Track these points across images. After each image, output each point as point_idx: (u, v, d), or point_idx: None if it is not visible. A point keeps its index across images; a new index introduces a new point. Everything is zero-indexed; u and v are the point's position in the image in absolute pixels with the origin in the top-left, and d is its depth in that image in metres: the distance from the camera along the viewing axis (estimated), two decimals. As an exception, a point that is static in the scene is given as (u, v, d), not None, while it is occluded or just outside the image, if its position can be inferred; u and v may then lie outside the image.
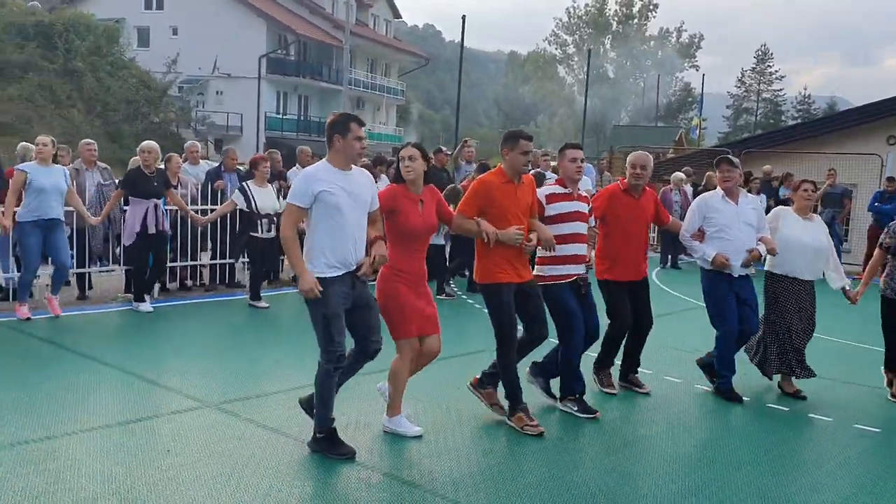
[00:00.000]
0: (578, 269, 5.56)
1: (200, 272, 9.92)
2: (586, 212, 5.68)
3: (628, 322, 6.11)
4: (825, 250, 6.34)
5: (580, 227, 5.57)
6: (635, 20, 72.73)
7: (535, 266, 5.55)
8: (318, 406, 4.58)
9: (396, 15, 53.31)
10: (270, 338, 7.50)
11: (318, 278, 4.44)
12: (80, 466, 4.13)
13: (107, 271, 9.22)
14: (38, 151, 7.64)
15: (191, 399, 5.34)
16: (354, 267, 4.56)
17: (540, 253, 5.46)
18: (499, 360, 5.14)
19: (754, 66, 74.18)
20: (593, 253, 5.83)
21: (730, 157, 6.31)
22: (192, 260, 9.66)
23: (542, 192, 5.58)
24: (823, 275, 6.46)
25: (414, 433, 4.92)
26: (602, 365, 6.23)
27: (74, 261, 8.83)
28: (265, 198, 8.84)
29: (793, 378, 6.32)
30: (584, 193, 5.79)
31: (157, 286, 8.93)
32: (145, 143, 8.45)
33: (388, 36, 51.27)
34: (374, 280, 4.80)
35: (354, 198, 4.53)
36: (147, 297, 8.33)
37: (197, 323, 7.99)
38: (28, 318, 7.49)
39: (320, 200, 4.46)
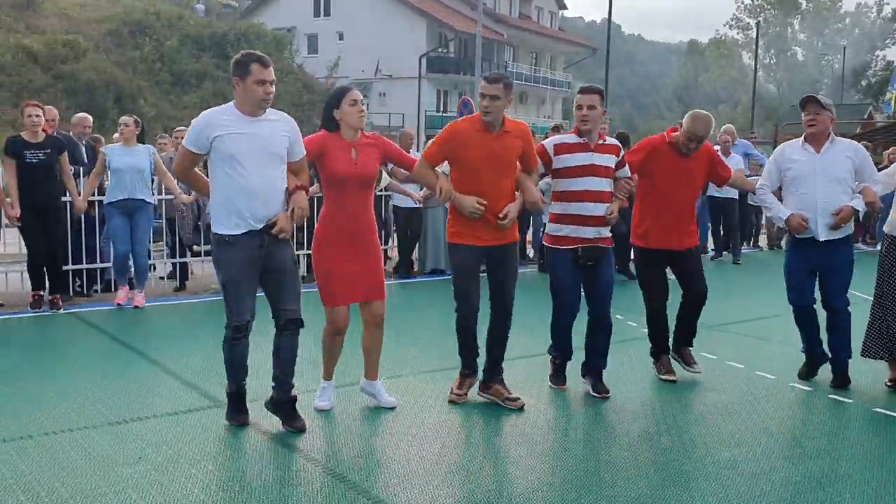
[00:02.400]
0: (585, 233, 4.75)
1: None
2: (610, 166, 4.81)
3: (661, 299, 5.34)
4: None
5: (594, 184, 4.73)
6: (828, -4, 66.78)
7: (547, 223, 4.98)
8: (226, 366, 4.20)
9: (562, 6, 51.98)
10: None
11: (218, 236, 4.00)
12: (25, 477, 3.61)
13: (198, 260, 9.03)
14: (120, 132, 7.56)
15: (205, 398, 4.78)
16: (263, 224, 3.98)
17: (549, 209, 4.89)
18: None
19: (973, 35, 65.73)
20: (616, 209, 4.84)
21: (818, 97, 5.15)
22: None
23: (550, 142, 4.81)
24: None
25: (319, 405, 4.55)
26: (655, 349, 5.44)
27: (166, 251, 8.77)
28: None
29: None
30: (612, 142, 4.84)
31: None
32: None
33: (553, 28, 50.08)
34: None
35: (260, 146, 3.95)
36: None
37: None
38: (119, 305, 7.41)
39: (216, 149, 3.93)
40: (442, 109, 40.72)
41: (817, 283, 5.24)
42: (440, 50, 39.93)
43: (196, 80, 30.53)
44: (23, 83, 24.40)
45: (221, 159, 3.97)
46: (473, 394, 4.80)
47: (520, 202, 4.55)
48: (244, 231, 3.99)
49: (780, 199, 5.25)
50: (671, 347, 5.44)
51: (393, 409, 4.60)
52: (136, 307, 7.46)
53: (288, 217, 4.07)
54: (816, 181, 5.03)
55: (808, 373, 5.36)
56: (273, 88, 4.00)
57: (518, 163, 4.57)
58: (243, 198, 3.96)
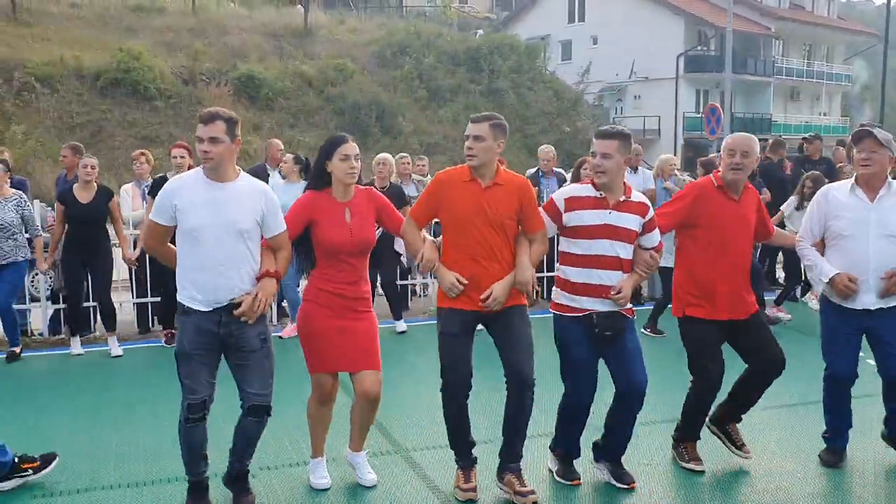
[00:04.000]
0: (600, 305, 4.03)
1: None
2: (633, 228, 4.06)
3: (718, 380, 4.38)
4: None
5: (612, 248, 4.02)
6: None
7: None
8: (182, 454, 3.91)
9: (842, -9, 47.17)
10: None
11: (178, 303, 3.80)
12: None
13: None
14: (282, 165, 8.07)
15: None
16: (225, 303, 3.66)
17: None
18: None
19: None
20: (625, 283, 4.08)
21: (876, 130, 4.07)
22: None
23: (561, 194, 4.16)
24: None
25: (317, 485, 4.24)
26: (682, 436, 4.63)
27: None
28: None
29: None
30: (640, 200, 4.13)
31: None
32: (380, 155, 8.12)
33: (831, 15, 45.57)
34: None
35: (220, 219, 3.65)
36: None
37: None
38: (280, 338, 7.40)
39: (178, 219, 3.74)
40: (701, 110, 38.75)
41: (870, 348, 4.46)
42: (699, 48, 38.02)
43: (450, 94, 31.67)
44: (298, 106, 26.89)
45: (181, 231, 3.75)
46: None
47: (508, 281, 3.95)
48: (205, 310, 3.72)
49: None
50: (712, 419, 4.65)
51: (373, 487, 4.24)
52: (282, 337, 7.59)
53: (250, 303, 3.72)
54: (869, 236, 4.20)
55: (836, 460, 4.57)
56: (208, 147, 3.66)
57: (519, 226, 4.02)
58: (201, 273, 3.70)
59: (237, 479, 4.04)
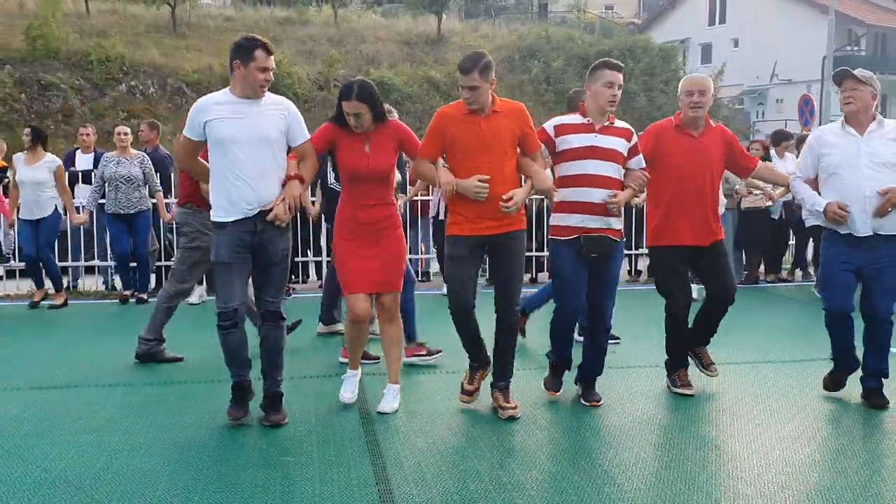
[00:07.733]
0: (590, 222, 4.42)
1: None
2: (618, 149, 4.47)
3: (684, 302, 4.80)
4: None
5: (599, 167, 4.42)
6: None
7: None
8: (225, 358, 4.26)
9: None
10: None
11: (214, 222, 4.10)
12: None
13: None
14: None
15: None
16: (257, 209, 4.04)
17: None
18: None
19: None
20: (637, 200, 4.64)
21: (855, 71, 4.44)
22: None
23: (550, 123, 4.59)
24: None
25: (343, 398, 4.64)
26: (672, 363, 5.01)
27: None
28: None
29: None
30: (624, 126, 4.56)
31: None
32: None
33: None
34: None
35: (251, 130, 4.02)
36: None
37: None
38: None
39: (208, 134, 4.08)
40: (848, 114, 36.66)
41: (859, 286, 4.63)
42: (849, 48, 35.98)
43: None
44: (425, 109, 27.85)
45: (213, 144, 4.06)
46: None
47: (527, 189, 4.35)
48: (238, 218, 4.04)
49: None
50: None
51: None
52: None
53: (282, 205, 4.06)
54: (861, 167, 4.38)
55: (835, 383, 4.81)
56: (270, 76, 4.06)
57: (518, 148, 4.37)
58: (235, 182, 4.01)
59: (272, 398, 4.35)
